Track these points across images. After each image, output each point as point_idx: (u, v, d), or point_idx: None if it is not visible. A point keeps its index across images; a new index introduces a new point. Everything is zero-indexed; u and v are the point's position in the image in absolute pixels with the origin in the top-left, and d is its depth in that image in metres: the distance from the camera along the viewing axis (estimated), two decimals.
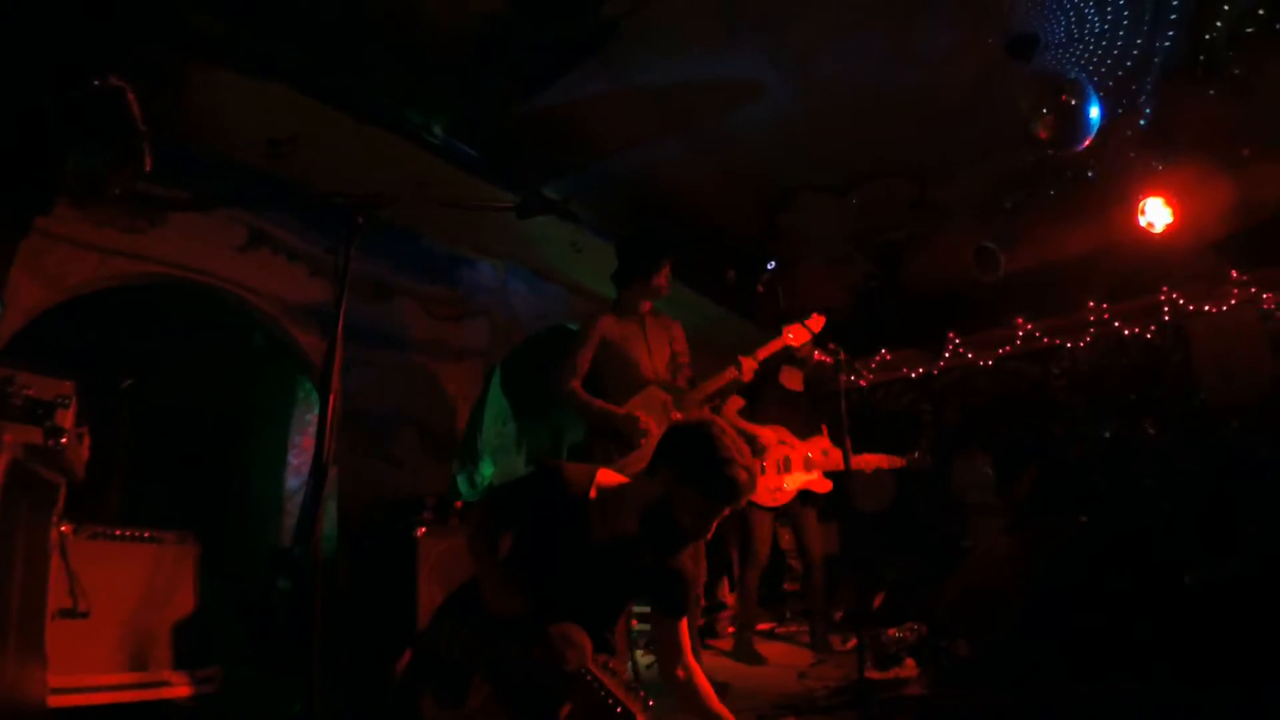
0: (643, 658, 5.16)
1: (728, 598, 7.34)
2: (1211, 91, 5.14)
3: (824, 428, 6.05)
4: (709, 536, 2.54)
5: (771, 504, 5.83)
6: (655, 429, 4.23)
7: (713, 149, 5.69)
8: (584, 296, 7.19)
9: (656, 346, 4.66)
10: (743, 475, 2.37)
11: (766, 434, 5.87)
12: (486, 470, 8.05)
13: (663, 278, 4.67)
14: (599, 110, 5.10)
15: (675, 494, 2.39)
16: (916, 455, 6.03)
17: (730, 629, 6.76)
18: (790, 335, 4.97)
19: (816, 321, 5.05)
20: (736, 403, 5.83)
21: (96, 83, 3.48)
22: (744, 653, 5.69)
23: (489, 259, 6.51)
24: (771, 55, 4.79)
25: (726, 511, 2.41)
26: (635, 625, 5.26)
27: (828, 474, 5.93)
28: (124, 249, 4.52)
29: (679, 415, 4.40)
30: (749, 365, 4.67)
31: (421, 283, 5.97)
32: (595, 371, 4.54)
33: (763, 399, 6.01)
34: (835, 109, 5.30)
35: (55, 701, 2.98)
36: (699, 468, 2.38)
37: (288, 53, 4.28)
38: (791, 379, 6.18)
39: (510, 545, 2.55)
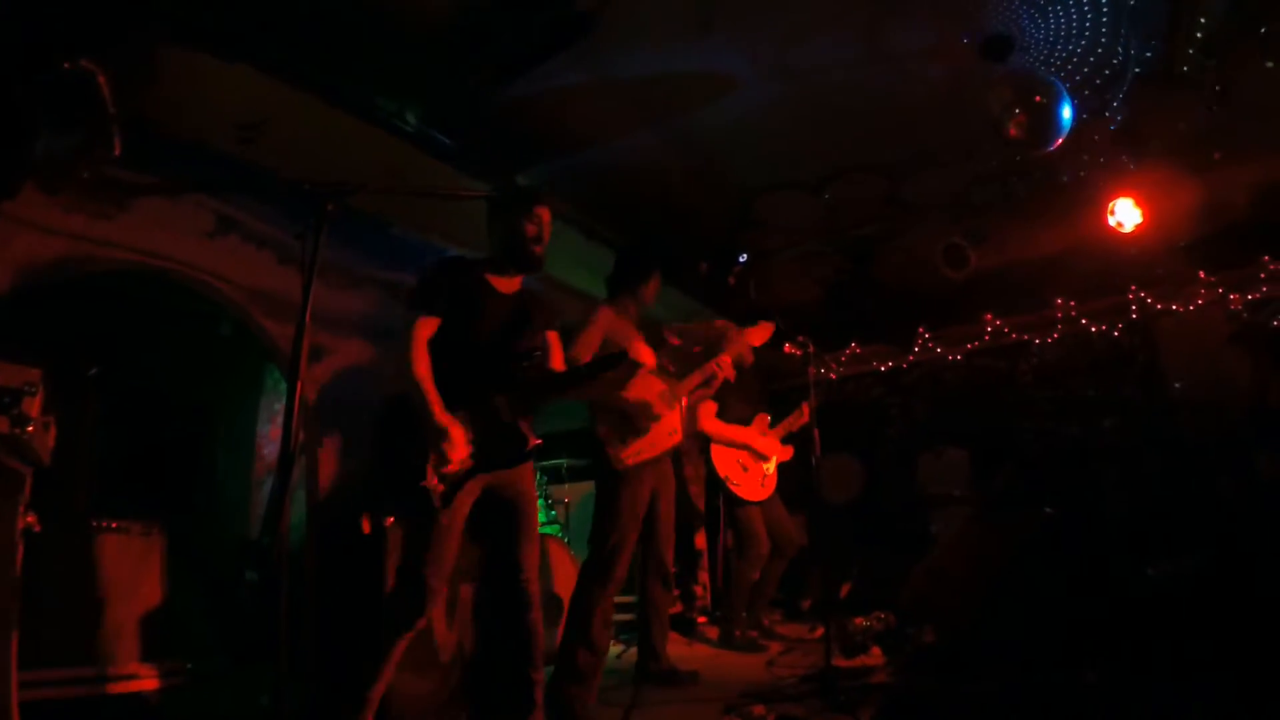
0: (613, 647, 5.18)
1: (698, 590, 7.39)
2: (1183, 96, 5.20)
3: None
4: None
5: (764, 496, 5.93)
6: (665, 413, 4.36)
7: (687, 142, 5.69)
8: (554, 287, 7.16)
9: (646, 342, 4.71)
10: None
11: (756, 441, 6.02)
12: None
13: (654, 286, 4.75)
14: (574, 101, 5.09)
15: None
16: None
17: (702, 619, 6.82)
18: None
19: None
20: (711, 407, 5.87)
21: (66, 65, 3.43)
22: (731, 642, 5.76)
23: (461, 249, 6.47)
24: (745, 51, 4.80)
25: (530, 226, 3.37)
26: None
27: (784, 440, 6.26)
28: (91, 235, 4.47)
29: (676, 405, 4.47)
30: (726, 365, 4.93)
31: (391, 271, 5.93)
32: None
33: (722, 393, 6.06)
34: (808, 105, 5.32)
35: (21, 695, 2.94)
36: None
37: (258, 36, 4.23)
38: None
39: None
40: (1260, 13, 4.63)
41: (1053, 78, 4.81)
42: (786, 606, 7.52)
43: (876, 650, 4.76)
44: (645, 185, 6.12)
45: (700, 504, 7.10)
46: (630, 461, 4.17)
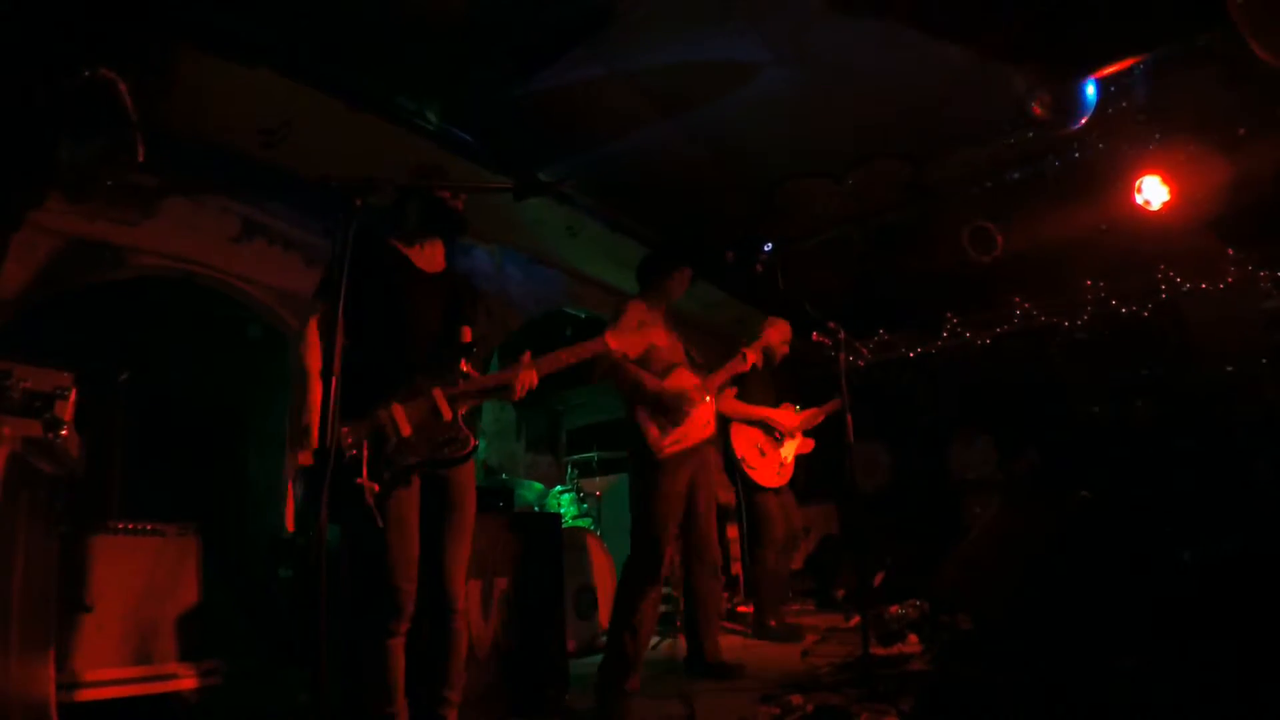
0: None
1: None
2: (1205, 71, 5.12)
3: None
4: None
5: (779, 484, 5.91)
6: (700, 404, 4.36)
7: (709, 132, 5.66)
8: (581, 280, 7.17)
9: (675, 336, 4.68)
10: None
11: (779, 416, 6.00)
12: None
13: (682, 281, 4.69)
14: (594, 94, 5.07)
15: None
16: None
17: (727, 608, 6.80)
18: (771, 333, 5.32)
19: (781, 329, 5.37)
20: (731, 390, 5.85)
21: (87, 74, 3.45)
22: (766, 631, 5.74)
23: (484, 244, 6.49)
24: (765, 38, 4.76)
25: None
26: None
27: (805, 433, 6.22)
28: (117, 241, 4.49)
29: (709, 397, 4.45)
30: (752, 358, 4.85)
31: None
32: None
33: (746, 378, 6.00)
34: (830, 91, 5.28)
35: (61, 697, 2.97)
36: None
37: (278, 39, 4.25)
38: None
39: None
40: None
41: None
42: (820, 596, 7.50)
43: (913, 638, 4.73)
44: (668, 176, 6.10)
45: (724, 493, 7.08)
46: (669, 451, 4.17)
